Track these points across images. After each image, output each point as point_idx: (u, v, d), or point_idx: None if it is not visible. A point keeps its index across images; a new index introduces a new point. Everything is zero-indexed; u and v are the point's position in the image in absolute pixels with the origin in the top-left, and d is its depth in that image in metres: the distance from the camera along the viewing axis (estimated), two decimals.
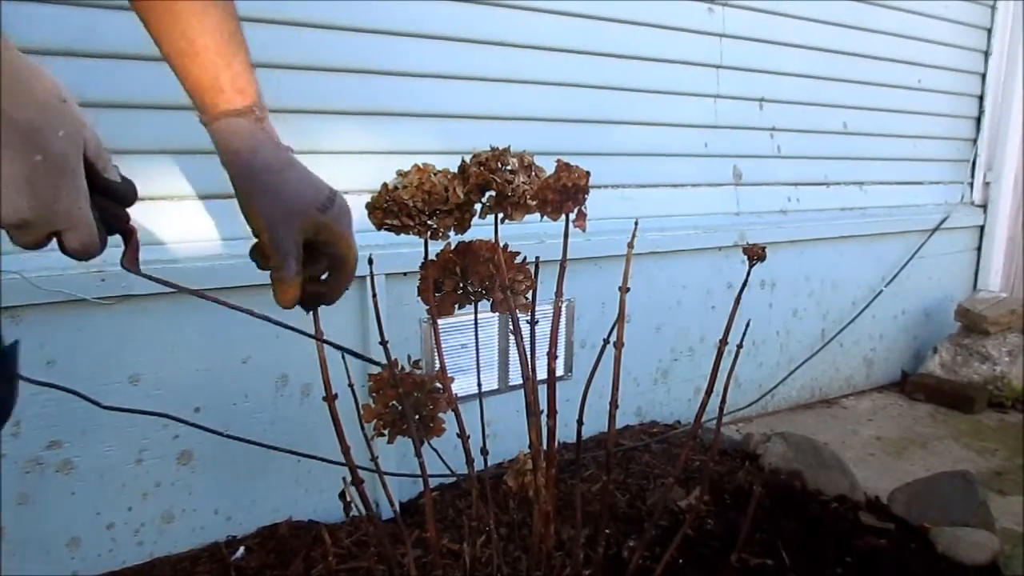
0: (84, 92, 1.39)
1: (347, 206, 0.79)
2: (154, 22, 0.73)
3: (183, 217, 1.65)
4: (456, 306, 1.09)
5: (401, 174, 1.01)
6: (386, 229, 0.99)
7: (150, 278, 0.75)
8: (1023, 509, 2.23)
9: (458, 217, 1.02)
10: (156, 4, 0.72)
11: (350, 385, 1.13)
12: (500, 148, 1.01)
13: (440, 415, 1.15)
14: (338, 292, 0.82)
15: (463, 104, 2.03)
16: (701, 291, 2.64)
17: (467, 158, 1.02)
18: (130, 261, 0.69)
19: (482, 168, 1.00)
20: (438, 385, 1.15)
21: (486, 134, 2.09)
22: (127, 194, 0.65)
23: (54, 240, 0.59)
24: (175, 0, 0.71)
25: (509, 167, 1.01)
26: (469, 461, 1.14)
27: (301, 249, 0.76)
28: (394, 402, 1.12)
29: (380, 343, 1.13)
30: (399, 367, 1.13)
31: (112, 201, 0.63)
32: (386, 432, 1.14)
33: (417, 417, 1.12)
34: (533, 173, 1.02)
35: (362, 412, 1.12)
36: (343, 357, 1.08)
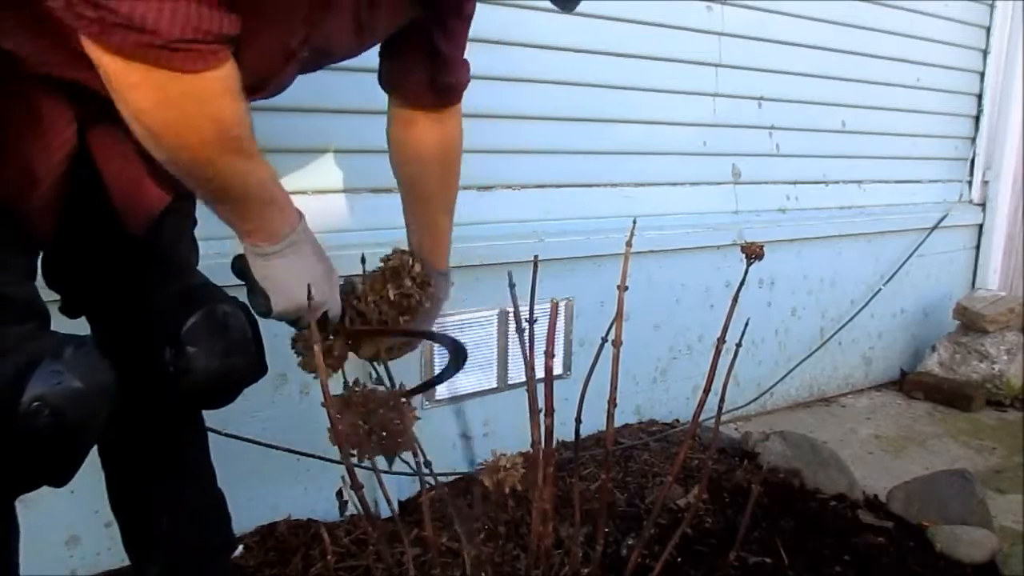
0: None
1: None
2: (418, 213, 1.25)
3: None
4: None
5: None
6: None
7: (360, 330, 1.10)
8: (1022, 507, 2.23)
9: None
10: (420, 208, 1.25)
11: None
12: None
13: (410, 430, 1.14)
14: None
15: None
16: (700, 290, 2.64)
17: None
18: (346, 324, 1.08)
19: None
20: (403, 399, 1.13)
21: (484, 133, 2.09)
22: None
23: None
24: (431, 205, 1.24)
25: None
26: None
27: None
28: (360, 421, 1.11)
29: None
30: (361, 385, 1.11)
31: None
32: (354, 453, 1.11)
33: (385, 434, 1.11)
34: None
35: (329, 435, 1.10)
36: None
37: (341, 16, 0.94)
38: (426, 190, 1.23)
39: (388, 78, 1.20)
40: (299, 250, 0.93)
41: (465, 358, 1.17)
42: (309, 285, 0.91)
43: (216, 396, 1.06)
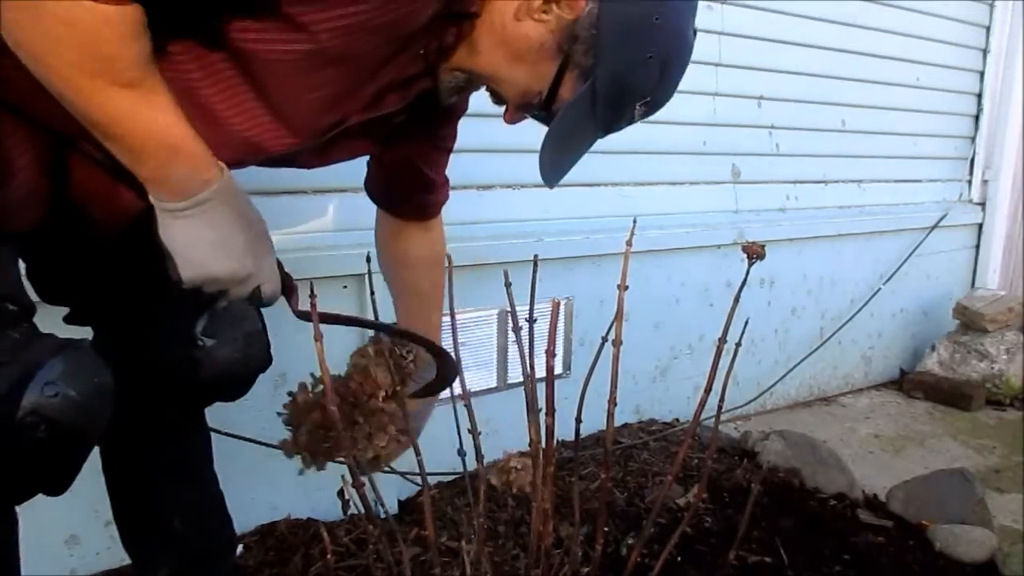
0: None
1: None
2: (413, 312, 1.28)
3: None
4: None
5: None
6: None
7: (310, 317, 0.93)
8: (1022, 507, 2.23)
9: None
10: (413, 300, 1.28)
11: None
12: None
13: (392, 433, 1.05)
14: None
15: None
16: (700, 289, 2.64)
17: None
18: (295, 307, 0.93)
19: None
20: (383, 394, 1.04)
21: (484, 132, 2.08)
22: (283, 265, 0.94)
23: None
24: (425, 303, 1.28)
25: None
26: (479, 457, 1.14)
27: None
28: (320, 428, 1.03)
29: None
30: (310, 387, 1.05)
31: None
32: (314, 464, 1.05)
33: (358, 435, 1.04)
34: None
35: (283, 448, 1.06)
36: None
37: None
38: (419, 290, 1.28)
39: (375, 191, 1.22)
40: (209, 212, 0.81)
41: (455, 377, 1.15)
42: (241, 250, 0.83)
43: (237, 386, 1.09)
